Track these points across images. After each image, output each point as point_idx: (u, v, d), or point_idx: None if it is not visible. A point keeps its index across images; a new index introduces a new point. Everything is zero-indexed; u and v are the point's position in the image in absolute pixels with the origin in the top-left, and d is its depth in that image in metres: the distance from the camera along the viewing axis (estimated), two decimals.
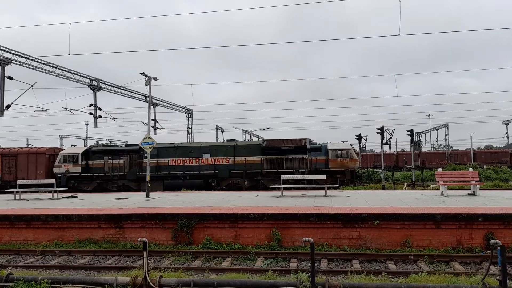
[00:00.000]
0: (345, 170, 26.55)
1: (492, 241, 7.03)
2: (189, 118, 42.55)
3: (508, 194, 16.09)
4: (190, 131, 42.27)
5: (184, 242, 11.40)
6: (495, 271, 7.86)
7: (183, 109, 41.95)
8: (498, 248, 6.82)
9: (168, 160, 27.35)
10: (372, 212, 10.94)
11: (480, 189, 16.03)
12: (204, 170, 26.99)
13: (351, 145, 28.96)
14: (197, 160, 27.18)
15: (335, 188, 21.50)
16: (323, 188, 17.75)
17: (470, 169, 17.23)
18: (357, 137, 32.55)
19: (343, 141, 29.38)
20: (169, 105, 39.09)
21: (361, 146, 32.87)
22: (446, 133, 56.94)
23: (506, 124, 59.41)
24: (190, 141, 40.40)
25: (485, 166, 43.20)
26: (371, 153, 58.78)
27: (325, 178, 17.90)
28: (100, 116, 28.38)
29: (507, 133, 59.46)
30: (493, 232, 10.17)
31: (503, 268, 6.64)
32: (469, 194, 15.47)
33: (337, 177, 26.37)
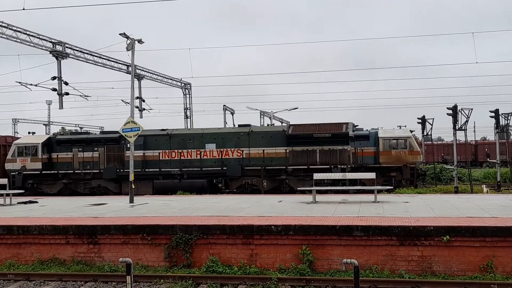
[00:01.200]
0: (403, 166, 26.31)
1: None
2: (187, 95, 42.76)
3: None
4: (188, 113, 42.51)
5: (182, 263, 11.55)
6: None
7: (179, 83, 42.13)
8: None
9: (159, 153, 27.63)
10: (439, 224, 10.86)
11: None
12: (207, 166, 27.18)
13: (411, 131, 28.67)
14: (198, 152, 27.36)
15: (389, 191, 21.37)
16: (371, 191, 17.66)
17: None
18: (420, 121, 32.21)
19: (400, 126, 29.12)
20: (160, 77, 39.36)
21: (425, 133, 32.53)
22: None
23: None
24: (189, 127, 40.60)
25: None
26: (439, 142, 58.14)
27: (374, 177, 17.80)
28: (67, 93, 28.78)
29: None
30: None
31: None
32: None
33: (391, 175, 26.17)
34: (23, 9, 21.29)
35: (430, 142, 36.13)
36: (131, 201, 18.57)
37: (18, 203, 19.37)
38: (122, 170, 27.28)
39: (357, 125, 28.64)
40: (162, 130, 28.60)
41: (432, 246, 10.65)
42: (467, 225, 10.65)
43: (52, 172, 28.64)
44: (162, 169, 27.36)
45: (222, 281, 10.46)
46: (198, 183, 26.67)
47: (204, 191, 26.10)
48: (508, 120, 31.32)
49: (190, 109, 42.71)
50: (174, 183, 26.86)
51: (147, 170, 27.44)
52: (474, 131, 61.49)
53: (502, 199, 16.49)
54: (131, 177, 19.20)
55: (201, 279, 10.54)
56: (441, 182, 33.54)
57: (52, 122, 63.24)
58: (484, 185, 26.28)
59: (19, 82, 29.73)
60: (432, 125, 31.59)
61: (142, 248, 11.90)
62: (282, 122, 56.02)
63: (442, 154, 50.47)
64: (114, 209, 16.20)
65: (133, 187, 19.30)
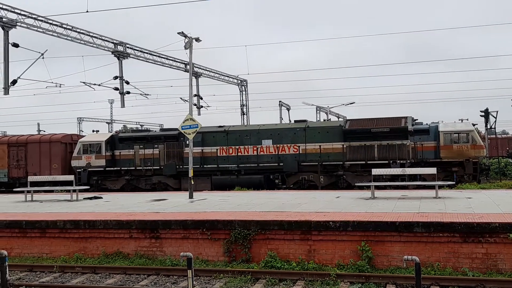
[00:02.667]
0: (465, 160, 25.45)
1: None
2: (243, 92, 43.07)
3: None
4: (245, 110, 42.84)
5: (240, 258, 11.68)
6: None
7: (235, 80, 42.47)
8: None
9: (217, 149, 28.01)
10: (505, 221, 10.46)
11: None
12: (264, 162, 27.33)
13: (474, 125, 27.68)
14: (255, 148, 27.53)
15: (451, 187, 20.75)
16: (432, 187, 17.24)
17: None
18: (483, 114, 31.08)
19: (462, 120, 28.17)
20: (217, 74, 39.84)
21: (488, 127, 31.38)
22: None
23: None
24: (245, 124, 40.93)
25: None
26: (504, 136, 55.79)
27: (435, 172, 17.33)
28: (128, 92, 29.72)
29: None
30: None
31: None
32: None
33: (453, 170, 25.38)
34: (87, 11, 22.09)
35: (494, 136, 34.70)
36: (191, 196, 18.92)
37: (84, 198, 20.17)
38: (181, 167, 27.85)
39: (417, 119, 27.98)
40: (220, 126, 28.95)
41: (498, 243, 10.27)
42: None
43: (115, 168, 29.64)
44: (219, 165, 27.72)
45: (281, 277, 10.50)
46: (255, 179, 26.84)
47: (261, 186, 26.27)
48: None
49: (246, 105, 43.01)
50: (231, 179, 27.17)
51: (205, 166, 27.87)
52: None
53: None
54: (191, 173, 19.56)
55: (260, 274, 10.62)
56: (506, 177, 32.22)
57: (114, 120, 65.22)
58: None
59: (83, 82, 30.87)
60: (496, 118, 30.48)
61: (202, 243, 12.12)
62: (338, 117, 55.49)
63: (507, 148, 48.40)
64: (174, 204, 16.57)
65: (192, 183, 19.66)
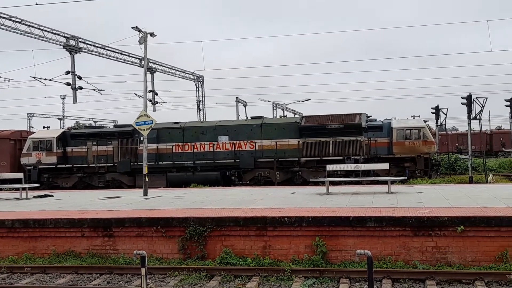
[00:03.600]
0: (417, 156, 26.12)
1: None
2: (200, 88, 42.85)
3: None
4: (201, 106, 42.63)
5: (195, 255, 11.63)
6: None
7: (191, 76, 42.20)
8: None
9: (172, 146, 27.76)
10: (454, 214, 10.79)
11: None
12: (220, 158, 27.27)
13: (425, 121, 28.48)
14: (211, 145, 27.44)
15: (403, 182, 21.27)
16: (385, 182, 17.60)
17: None
18: (434, 111, 31.93)
19: (414, 116, 29.04)
20: (173, 70, 39.45)
21: (439, 123, 32.28)
22: None
23: None
24: (202, 120, 40.72)
25: None
26: (453, 132, 57.68)
27: (388, 168, 17.73)
28: (81, 88, 28.97)
29: None
30: None
31: None
32: None
33: (406, 166, 26.02)
34: (36, 4, 21.38)
35: (444, 132, 35.87)
36: (145, 194, 18.69)
37: (34, 197, 19.61)
38: (136, 164, 27.47)
39: (370, 116, 28.52)
40: (175, 123, 28.72)
41: (447, 237, 10.60)
42: (481, 215, 10.58)
43: (67, 166, 28.89)
44: (175, 162, 27.48)
45: (236, 273, 10.51)
46: (211, 175, 26.77)
47: (217, 183, 26.21)
48: None
49: (202, 101, 42.82)
50: (187, 176, 27.00)
51: (160, 163, 27.58)
52: (489, 120, 60.67)
53: None
54: (145, 170, 19.32)
55: (215, 271, 10.60)
56: (456, 172, 33.29)
57: (67, 116, 63.67)
58: (490, 176, 26.00)
59: (34, 77, 29.99)
60: (446, 114, 31.25)
61: (156, 241, 11.99)
62: (294, 114, 55.86)
63: (457, 144, 50.11)
64: (128, 202, 16.33)
65: (147, 180, 19.41)
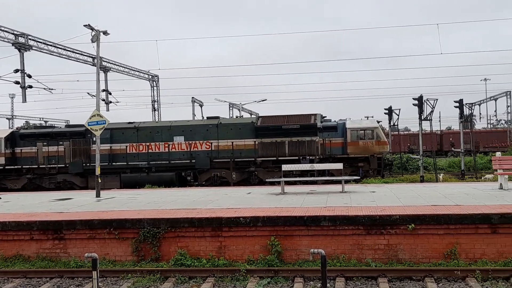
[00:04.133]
0: (370, 156, 26.71)
1: None
2: (155, 88, 42.47)
3: None
4: (156, 106, 42.22)
5: (150, 257, 11.48)
6: None
7: (146, 75, 41.75)
8: None
9: (126, 146, 27.38)
10: (405, 213, 11.04)
11: None
12: (176, 159, 27.09)
13: (378, 122, 29.14)
14: (167, 145, 27.22)
15: (356, 181, 21.66)
16: (339, 182, 17.85)
17: None
18: (387, 111, 32.68)
19: (367, 117, 29.59)
20: (127, 69, 38.91)
21: (391, 124, 33.04)
22: (508, 104, 57.41)
23: None
24: (157, 120, 40.37)
25: None
26: (405, 132, 59.16)
27: (342, 167, 18.01)
28: (30, 86, 28.18)
29: None
30: None
31: None
32: None
33: (359, 166, 26.56)
34: None
35: (397, 132, 36.71)
36: (98, 195, 18.33)
37: None
38: (88, 164, 26.98)
39: (325, 116, 28.97)
40: (129, 123, 28.38)
41: (398, 235, 10.83)
42: (431, 213, 10.86)
43: (16, 167, 28.10)
44: (129, 163, 27.16)
45: (191, 274, 10.43)
46: (167, 176, 26.58)
47: (172, 184, 26.04)
48: (472, 110, 32.15)
49: (157, 101, 42.49)
50: (142, 177, 26.72)
51: (114, 163, 27.17)
52: (440, 121, 62.77)
53: (466, 188, 16.88)
54: (98, 171, 18.95)
55: (169, 273, 10.49)
56: (408, 172, 34.14)
57: (16, 116, 61.86)
58: (441, 174, 26.90)
59: None
60: (398, 115, 32.10)
61: (109, 243, 11.77)
62: (251, 114, 56.04)
63: (409, 144, 51.33)
64: (80, 204, 15.96)
65: (100, 181, 19.05)
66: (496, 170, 16.22)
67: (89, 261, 8.88)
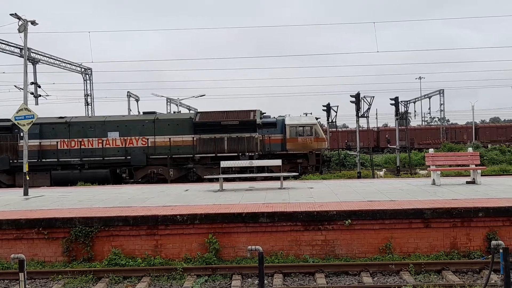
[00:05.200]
0: (309, 153, 27.23)
1: (493, 242, 7.57)
2: (88, 81, 41.43)
3: None
4: (89, 100, 41.21)
5: (82, 258, 11.20)
6: (497, 281, 8.47)
7: (78, 68, 40.63)
8: (501, 251, 7.36)
9: (57, 142, 26.54)
10: (342, 208, 11.32)
11: (482, 175, 17.09)
12: (110, 155, 26.54)
13: (317, 118, 29.65)
14: (100, 141, 26.61)
15: (295, 178, 22.00)
16: (278, 178, 18.05)
17: (470, 150, 18.27)
18: (325, 108, 33.29)
19: (306, 114, 29.99)
20: (58, 61, 37.68)
21: (330, 120, 33.70)
22: (441, 102, 59.93)
23: None
24: (90, 115, 39.43)
25: (489, 146, 46.18)
26: (343, 129, 60.61)
27: (280, 164, 18.22)
28: None
29: None
30: (496, 230, 10.93)
31: (506, 278, 7.15)
32: (467, 182, 16.47)
33: (298, 162, 27.00)
34: None
35: (335, 129, 37.57)
36: (26, 193, 17.64)
37: None
38: (15, 161, 25.94)
39: (265, 113, 29.20)
40: (60, 117, 27.50)
41: (335, 230, 11.08)
42: (367, 209, 11.19)
43: None
44: (60, 159, 26.35)
45: (125, 274, 10.25)
46: (100, 173, 26.02)
47: (107, 181, 25.55)
48: (407, 108, 33.35)
49: (91, 95, 41.47)
50: (74, 174, 26.00)
51: (44, 160, 26.28)
52: (377, 118, 64.92)
53: (401, 183, 17.50)
54: (25, 168, 18.23)
55: (103, 273, 10.26)
56: (345, 168, 35.04)
57: None
58: (383, 170, 27.82)
59: None
60: (336, 112, 32.70)
61: (37, 243, 11.36)
62: (189, 110, 55.71)
63: (346, 141, 52.69)
64: (5, 202, 15.30)
65: (28, 178, 18.34)
66: (429, 166, 16.92)
67: (15, 263, 8.52)
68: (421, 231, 11.03)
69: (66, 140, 26.64)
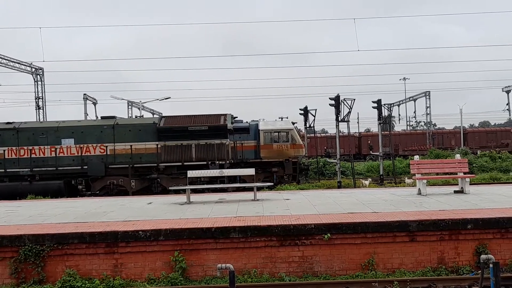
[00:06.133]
0: (285, 160, 27.33)
1: (482, 256, 7.73)
2: (39, 82, 40.93)
3: (508, 189, 17.68)
4: (40, 103, 40.71)
5: (32, 279, 11.01)
6: None
7: (28, 68, 40.13)
8: (491, 265, 7.52)
9: (4, 151, 26.16)
10: (321, 222, 11.38)
11: (471, 183, 17.41)
12: (64, 165, 26.21)
13: (294, 123, 29.82)
14: (53, 149, 26.27)
15: (270, 188, 22.04)
16: (251, 189, 18.05)
17: (458, 156, 18.59)
18: (302, 112, 33.49)
19: (282, 118, 30.18)
20: (4, 60, 37.14)
21: (307, 125, 33.89)
22: (428, 105, 61.01)
23: (507, 92, 65.08)
24: (41, 120, 38.92)
25: (479, 152, 47.11)
26: (322, 135, 61.02)
27: (254, 173, 18.22)
28: None
29: (508, 104, 65.30)
30: (486, 244, 11.15)
31: None
32: (455, 192, 16.74)
33: (273, 171, 27.08)
34: None
35: (313, 135, 37.71)
36: None
37: None
38: None
39: (236, 117, 29.22)
40: (8, 123, 27.09)
41: (313, 245, 11.14)
42: (348, 222, 11.28)
43: None
44: (8, 170, 25.93)
45: None
46: (54, 185, 25.65)
47: (60, 194, 25.19)
48: (391, 111, 33.65)
49: (43, 98, 40.94)
50: (23, 186, 25.57)
51: None
52: (358, 122, 65.46)
53: (384, 193, 17.69)
54: None
55: None
56: (325, 177, 35.30)
57: None
58: (368, 180, 28.10)
59: None
60: (315, 116, 32.80)
61: None
62: (153, 114, 55.44)
63: (325, 147, 53.08)
64: None
65: None
66: (415, 175, 17.15)
67: None
68: (406, 245, 11.17)
69: (14, 148, 26.21)
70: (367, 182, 26.72)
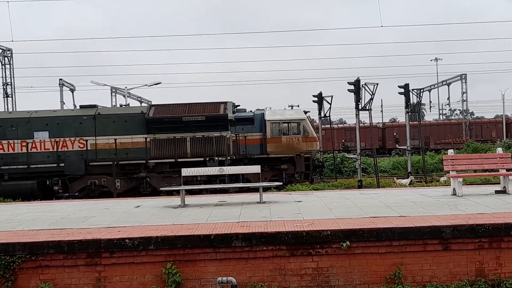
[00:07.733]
0: (296, 156, 27.27)
1: None
2: (7, 66, 41.10)
3: None
4: (9, 90, 40.86)
5: None
6: None
7: None
8: None
9: None
10: (338, 227, 11.35)
11: None
12: (38, 162, 26.36)
13: (306, 112, 29.71)
14: (24, 144, 26.39)
15: (279, 188, 22.04)
16: (256, 190, 18.06)
17: (499, 150, 18.45)
18: (316, 99, 33.37)
19: (292, 106, 30.11)
20: None
21: (322, 115, 33.79)
22: (464, 90, 60.72)
23: None
24: (10, 110, 39.06)
25: None
26: (340, 126, 60.97)
27: (259, 171, 18.23)
28: None
29: None
30: None
31: None
32: (497, 192, 16.67)
33: (282, 168, 27.03)
34: None
35: (329, 126, 37.61)
36: None
37: None
38: None
39: (239, 105, 29.15)
40: None
41: (330, 255, 11.10)
42: (370, 227, 11.25)
43: None
44: None
45: None
46: (25, 185, 25.78)
47: (33, 196, 25.26)
48: (420, 98, 33.38)
49: (11, 84, 41.04)
50: None
51: None
52: (382, 111, 65.43)
53: (413, 194, 17.63)
54: None
55: None
56: (343, 175, 35.27)
57: None
58: (410, 178, 27.63)
59: None
60: (331, 104, 32.63)
61: None
62: (141, 102, 55.52)
63: (343, 140, 53.03)
64: None
65: None
66: (448, 172, 17.07)
67: None
68: (438, 254, 11.13)
69: None
70: (406, 181, 26.35)
